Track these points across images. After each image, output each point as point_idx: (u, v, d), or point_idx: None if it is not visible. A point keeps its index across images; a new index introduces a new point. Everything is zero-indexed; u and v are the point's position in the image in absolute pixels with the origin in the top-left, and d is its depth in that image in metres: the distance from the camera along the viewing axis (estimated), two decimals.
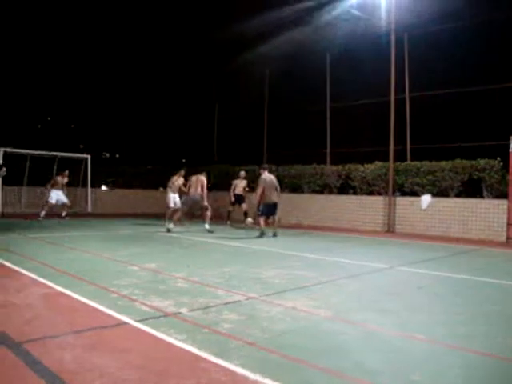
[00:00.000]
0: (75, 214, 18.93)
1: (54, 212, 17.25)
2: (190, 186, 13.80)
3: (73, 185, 20.26)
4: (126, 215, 17.13)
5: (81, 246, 9.75)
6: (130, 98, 22.95)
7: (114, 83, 22.43)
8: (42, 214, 16.54)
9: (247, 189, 16.66)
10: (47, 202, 16.94)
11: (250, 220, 14.41)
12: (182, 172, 15.71)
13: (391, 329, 4.59)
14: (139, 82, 22.79)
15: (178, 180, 15.58)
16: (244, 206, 16.50)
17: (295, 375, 3.36)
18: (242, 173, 16.82)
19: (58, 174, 17.78)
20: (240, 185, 16.56)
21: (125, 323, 4.46)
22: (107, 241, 11.01)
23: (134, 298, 5.44)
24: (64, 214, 17.33)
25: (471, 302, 5.89)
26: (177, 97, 23.60)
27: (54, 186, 17.26)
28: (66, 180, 17.75)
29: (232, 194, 16.58)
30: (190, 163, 25.02)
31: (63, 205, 17.43)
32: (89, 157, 19.74)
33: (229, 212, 16.92)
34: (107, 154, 26.22)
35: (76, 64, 21.71)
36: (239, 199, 16.55)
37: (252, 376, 3.30)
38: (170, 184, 15.57)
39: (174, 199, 15.56)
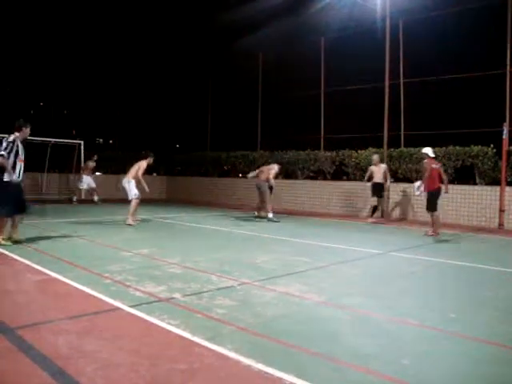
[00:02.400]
0: (68, 200, 18.88)
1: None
2: (259, 173, 13.95)
3: (65, 171, 20.21)
4: (120, 201, 17.05)
5: (75, 231, 9.74)
6: (124, 84, 22.77)
7: (107, 69, 22.24)
8: (75, 198, 17.48)
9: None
10: (79, 187, 17.55)
11: None
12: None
13: (383, 314, 4.64)
14: (133, 67, 22.60)
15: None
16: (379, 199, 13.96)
17: (288, 360, 3.39)
18: (376, 157, 13.96)
19: (87, 159, 18.06)
20: (379, 172, 13.69)
21: (118, 308, 4.49)
22: (102, 226, 11.00)
23: (128, 283, 5.46)
24: (96, 198, 17.45)
25: (463, 288, 5.95)
26: (171, 82, 23.46)
27: (85, 171, 17.62)
28: (94, 164, 17.98)
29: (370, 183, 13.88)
30: (183, 149, 25.00)
31: (92, 189, 17.65)
32: (82, 143, 19.63)
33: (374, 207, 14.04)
34: (100, 140, 26.07)
35: (68, 49, 21.49)
36: (379, 189, 13.83)
37: (245, 360, 3.33)
38: None
39: None
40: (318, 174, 17.32)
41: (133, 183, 11.37)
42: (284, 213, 15.66)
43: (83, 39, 21.76)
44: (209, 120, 22.50)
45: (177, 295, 5.01)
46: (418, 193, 11.82)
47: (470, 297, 5.45)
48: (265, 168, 14.04)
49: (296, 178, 17.85)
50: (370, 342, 3.80)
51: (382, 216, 14.47)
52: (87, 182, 17.50)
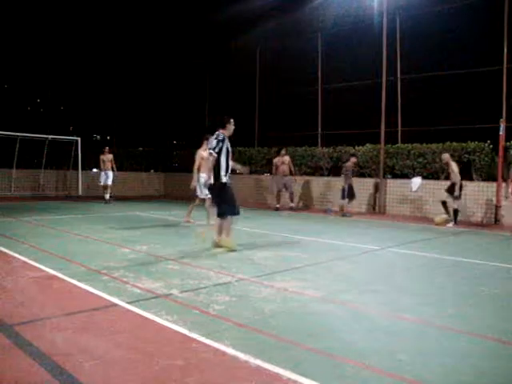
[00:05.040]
0: (66, 197, 18.87)
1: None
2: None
3: (63, 168, 20.15)
4: (117, 198, 17.09)
5: (72, 228, 9.74)
6: (121, 80, 22.69)
7: (104, 64, 22.16)
8: (107, 196, 16.73)
9: None
10: (98, 183, 17.15)
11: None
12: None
13: (380, 309, 4.65)
14: (130, 63, 22.51)
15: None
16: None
17: (285, 355, 3.41)
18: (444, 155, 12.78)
19: (100, 153, 17.11)
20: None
21: (116, 305, 4.50)
22: (99, 223, 11.00)
23: (125, 279, 5.47)
24: (107, 196, 16.81)
25: (460, 283, 5.96)
26: (168, 78, 23.40)
27: (103, 166, 16.82)
28: (110, 157, 16.95)
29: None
30: (181, 145, 24.95)
31: (107, 186, 16.88)
32: (79, 139, 19.60)
33: None
34: (98, 137, 26.01)
35: (65, 44, 21.39)
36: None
37: (242, 356, 3.35)
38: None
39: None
40: (315, 170, 17.31)
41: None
42: (281, 209, 15.66)
43: (79, 34, 21.64)
44: (206, 116, 22.48)
45: (174, 291, 5.01)
46: (415, 189, 11.88)
47: (468, 292, 5.47)
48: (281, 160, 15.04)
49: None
50: (367, 338, 3.82)
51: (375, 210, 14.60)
52: (104, 177, 16.69)
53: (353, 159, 14.39)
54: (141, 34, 22.43)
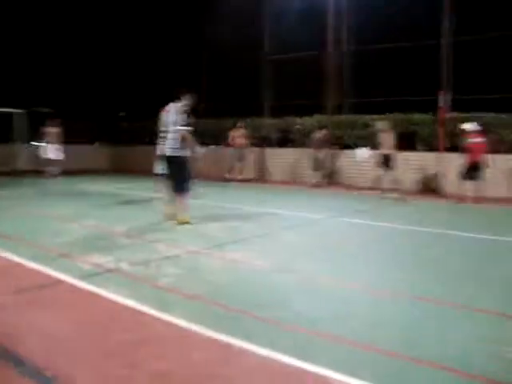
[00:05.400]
0: (10, 172, 18.16)
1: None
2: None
3: (6, 141, 19.27)
4: (63, 172, 16.57)
5: (17, 205, 9.45)
6: (65, 51, 21.72)
7: (45, 31, 21.08)
8: (53, 171, 15.86)
9: None
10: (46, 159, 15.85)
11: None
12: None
13: (328, 277, 4.79)
14: (76, 33, 21.52)
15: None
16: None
17: (236, 326, 3.48)
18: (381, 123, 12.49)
19: (45, 126, 16.11)
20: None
21: (64, 281, 4.43)
22: (45, 199, 10.70)
23: (74, 255, 5.38)
24: (53, 171, 15.95)
25: (405, 250, 6.21)
26: (112, 48, 22.59)
27: (49, 139, 15.91)
28: (55, 130, 16.15)
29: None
30: (128, 117, 24.31)
31: (52, 160, 15.98)
32: (23, 111, 18.76)
33: None
34: (43, 109, 24.97)
35: (5, 12, 20.22)
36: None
37: (193, 327, 3.39)
38: None
39: None
40: (263, 141, 17.32)
41: None
42: (230, 180, 15.67)
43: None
44: (152, 87, 21.95)
45: (124, 265, 4.99)
46: (361, 159, 12.13)
47: (411, 258, 5.70)
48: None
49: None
50: (317, 306, 3.93)
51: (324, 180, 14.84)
52: (50, 151, 15.88)
53: (323, 131, 14.49)
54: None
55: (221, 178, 16.04)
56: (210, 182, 14.90)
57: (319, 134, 14.37)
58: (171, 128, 7.25)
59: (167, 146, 7.29)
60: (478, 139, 11.03)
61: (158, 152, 7.53)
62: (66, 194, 11.31)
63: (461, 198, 10.95)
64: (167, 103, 7.57)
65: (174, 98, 7.46)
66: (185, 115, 7.25)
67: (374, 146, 14.36)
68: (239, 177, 15.80)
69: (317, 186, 14.09)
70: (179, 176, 7.32)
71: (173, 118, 7.27)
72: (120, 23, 21.47)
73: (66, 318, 3.56)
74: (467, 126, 11.26)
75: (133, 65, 22.50)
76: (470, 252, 6.14)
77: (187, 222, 7.42)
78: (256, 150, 16.82)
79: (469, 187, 11.07)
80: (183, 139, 7.18)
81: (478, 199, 10.72)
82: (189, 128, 7.26)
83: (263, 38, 17.97)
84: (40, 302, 3.87)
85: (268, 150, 16.87)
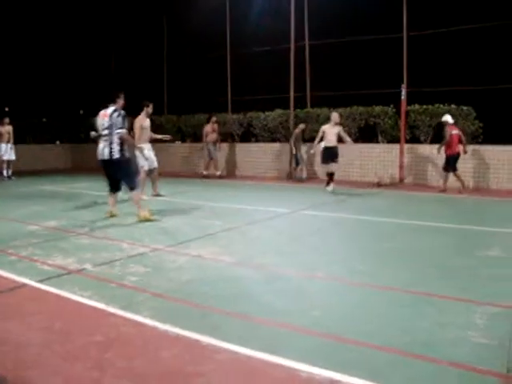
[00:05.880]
0: None
1: None
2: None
3: None
4: (19, 172, 16.13)
5: None
6: (22, 47, 21.09)
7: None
8: (8, 172, 15.31)
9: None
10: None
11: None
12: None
13: (293, 270, 4.83)
14: (30, 23, 20.86)
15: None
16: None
17: (203, 322, 3.47)
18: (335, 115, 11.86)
19: None
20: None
21: (25, 285, 4.31)
22: (1, 200, 10.41)
23: (35, 258, 5.25)
24: (9, 172, 15.48)
25: (367, 241, 6.31)
26: (72, 45, 22.05)
27: (1, 138, 15.20)
28: (9, 128, 15.42)
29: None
30: (88, 115, 23.83)
31: (7, 161, 15.45)
32: None
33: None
34: None
35: None
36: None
37: (161, 326, 3.37)
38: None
39: None
40: (226, 137, 17.28)
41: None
42: (193, 176, 15.60)
43: None
44: (113, 83, 21.60)
45: (87, 266, 4.90)
46: (312, 151, 12.30)
47: (374, 249, 5.80)
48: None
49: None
50: (282, 298, 3.96)
51: (291, 176, 14.83)
52: (6, 151, 15.35)
53: (301, 126, 14.47)
54: None
55: (193, 174, 15.93)
56: (185, 180, 14.80)
57: (297, 130, 14.35)
58: (110, 131, 7.30)
59: (108, 148, 7.32)
60: (456, 131, 11.33)
61: (99, 156, 7.51)
62: (24, 196, 11.00)
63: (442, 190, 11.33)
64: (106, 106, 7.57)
65: (110, 101, 7.55)
66: (121, 117, 7.31)
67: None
68: (218, 173, 15.36)
69: (300, 181, 14.11)
70: (127, 175, 7.48)
71: (111, 120, 7.30)
72: (78, 19, 20.97)
73: (29, 323, 3.47)
74: (448, 119, 11.50)
75: (95, 63, 22.07)
76: (433, 241, 6.29)
77: (149, 219, 7.43)
78: (225, 145, 16.63)
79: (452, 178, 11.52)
80: (123, 141, 7.31)
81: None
82: (125, 130, 7.36)
83: (226, 33, 17.88)
84: (1, 308, 3.76)
85: (238, 145, 16.78)
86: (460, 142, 11.32)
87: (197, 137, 17.95)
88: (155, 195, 10.43)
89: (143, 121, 10.05)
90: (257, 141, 16.57)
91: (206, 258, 5.23)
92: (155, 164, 10.30)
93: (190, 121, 17.99)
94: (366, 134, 14.52)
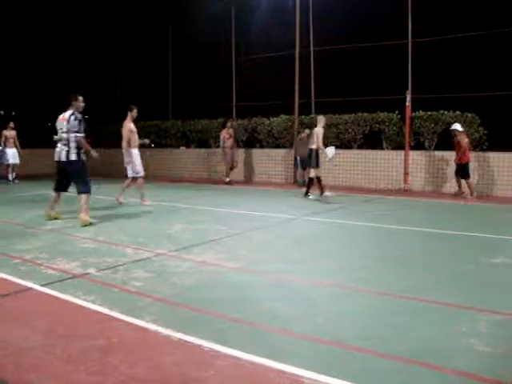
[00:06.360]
0: None
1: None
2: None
3: None
4: (23, 177, 16.17)
5: None
6: (29, 52, 21.21)
7: (4, 34, 20.57)
8: (12, 175, 15.48)
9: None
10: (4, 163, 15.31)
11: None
12: None
13: (297, 276, 4.81)
14: (38, 35, 21.01)
15: None
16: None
17: (206, 327, 3.46)
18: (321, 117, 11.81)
19: (3, 128, 15.51)
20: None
21: (29, 289, 4.32)
22: (5, 204, 10.43)
23: (39, 262, 5.26)
24: (13, 175, 15.67)
25: (373, 248, 6.28)
26: (76, 51, 22.16)
27: (6, 142, 15.29)
28: (13, 133, 15.61)
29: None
30: (91, 121, 23.88)
31: (12, 165, 15.60)
32: None
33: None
34: (1, 112, 24.35)
35: None
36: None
37: (164, 331, 3.36)
38: None
39: None
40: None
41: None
42: (198, 182, 15.61)
43: None
44: (118, 90, 21.69)
45: (91, 270, 4.90)
46: (329, 158, 12.20)
47: (378, 256, 5.78)
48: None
49: (209, 146, 17.76)
50: (286, 305, 3.94)
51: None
52: (12, 156, 15.48)
53: (306, 131, 14.36)
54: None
55: (199, 180, 15.92)
56: (191, 185, 14.81)
57: (303, 134, 14.31)
58: (67, 135, 7.51)
59: (65, 151, 7.53)
60: (467, 139, 11.47)
61: (55, 158, 7.64)
62: (28, 200, 11.04)
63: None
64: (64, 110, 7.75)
65: (67, 104, 7.75)
66: (77, 121, 7.52)
67: (340, 145, 14.54)
68: (227, 179, 15.19)
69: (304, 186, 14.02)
70: (81, 178, 7.70)
71: (69, 124, 7.51)
72: (85, 26, 21.07)
73: (32, 327, 3.46)
74: (458, 127, 11.61)
75: (101, 69, 22.14)
76: (438, 248, 6.26)
77: (90, 224, 7.60)
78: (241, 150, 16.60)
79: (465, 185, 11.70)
80: (80, 144, 7.55)
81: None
82: (82, 134, 7.55)
83: (231, 39, 17.94)
84: (5, 312, 3.77)
85: (242, 151, 16.76)
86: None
87: (201, 142, 18.00)
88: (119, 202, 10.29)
89: (130, 125, 10.11)
90: (261, 147, 16.59)
91: (209, 264, 5.23)
92: (142, 172, 10.31)
93: (194, 126, 18.04)
94: (370, 140, 14.51)
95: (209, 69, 18.71)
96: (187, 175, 17.63)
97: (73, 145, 7.47)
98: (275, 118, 16.17)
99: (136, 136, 10.22)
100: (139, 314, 3.68)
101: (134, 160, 10.09)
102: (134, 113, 10.16)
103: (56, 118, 7.87)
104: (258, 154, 16.42)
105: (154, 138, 19.03)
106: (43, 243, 6.24)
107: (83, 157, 7.66)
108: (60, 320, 3.60)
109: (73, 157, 7.50)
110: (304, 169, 14.26)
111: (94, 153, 7.96)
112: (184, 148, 18.28)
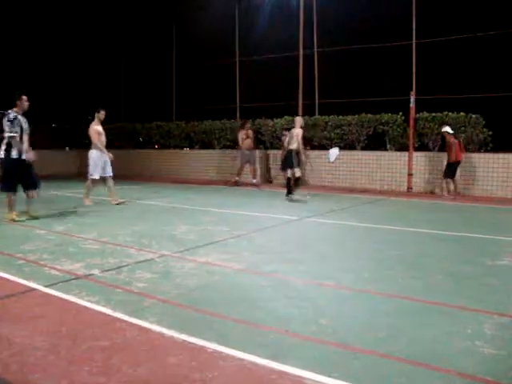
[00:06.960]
0: None
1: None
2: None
3: None
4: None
5: None
6: (32, 54, 21.26)
7: (10, 34, 20.61)
8: None
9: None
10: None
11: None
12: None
13: (301, 277, 4.81)
14: (43, 37, 21.06)
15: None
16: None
17: (210, 328, 3.45)
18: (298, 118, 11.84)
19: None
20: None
21: (33, 289, 4.33)
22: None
23: (43, 262, 5.27)
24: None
25: (375, 249, 6.27)
26: (82, 53, 22.22)
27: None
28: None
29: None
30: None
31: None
32: None
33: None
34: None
35: None
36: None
37: (167, 332, 3.36)
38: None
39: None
40: (234, 144, 17.33)
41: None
42: (201, 183, 15.63)
43: None
44: (122, 90, 21.76)
45: (95, 271, 4.91)
46: (332, 159, 12.21)
47: (380, 256, 5.77)
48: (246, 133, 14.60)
49: (213, 147, 17.80)
50: (290, 306, 3.94)
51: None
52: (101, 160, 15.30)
53: (285, 132, 14.38)
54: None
55: (203, 181, 15.91)
56: (195, 187, 14.82)
57: (285, 137, 14.31)
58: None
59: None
60: (453, 139, 11.64)
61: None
62: (33, 200, 11.05)
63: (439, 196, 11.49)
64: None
65: (12, 104, 7.95)
66: (6, 121, 7.70)
67: (343, 146, 14.55)
68: (254, 181, 15.17)
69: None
70: (4, 177, 7.95)
71: (7, 127, 7.73)
72: (88, 27, 21.12)
73: (36, 328, 3.47)
74: (448, 129, 11.78)
75: (105, 70, 22.20)
76: (441, 249, 6.25)
77: (13, 220, 7.97)
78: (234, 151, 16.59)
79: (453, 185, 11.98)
80: (11, 144, 7.73)
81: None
82: (11, 134, 7.69)
83: (235, 40, 17.97)
84: (8, 313, 3.77)
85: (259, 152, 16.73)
86: (460, 149, 11.93)
87: (205, 144, 18.04)
88: (116, 203, 10.24)
89: (97, 126, 10.26)
90: (265, 148, 16.60)
91: (213, 265, 5.23)
92: (110, 172, 10.32)
93: (198, 127, 18.07)
94: (374, 141, 14.51)
95: (213, 70, 18.74)
96: (192, 176, 17.66)
97: (4, 143, 7.75)
98: (279, 119, 16.18)
99: (103, 137, 10.35)
100: (143, 314, 3.68)
101: (90, 160, 10.20)
102: (101, 115, 10.34)
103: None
104: (262, 155, 16.42)
105: (159, 139, 19.11)
106: (47, 244, 6.24)
107: (14, 156, 7.76)
108: (63, 321, 3.60)
109: (1, 154, 7.78)
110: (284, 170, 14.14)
111: (28, 155, 8.03)
112: (187, 149, 18.34)
